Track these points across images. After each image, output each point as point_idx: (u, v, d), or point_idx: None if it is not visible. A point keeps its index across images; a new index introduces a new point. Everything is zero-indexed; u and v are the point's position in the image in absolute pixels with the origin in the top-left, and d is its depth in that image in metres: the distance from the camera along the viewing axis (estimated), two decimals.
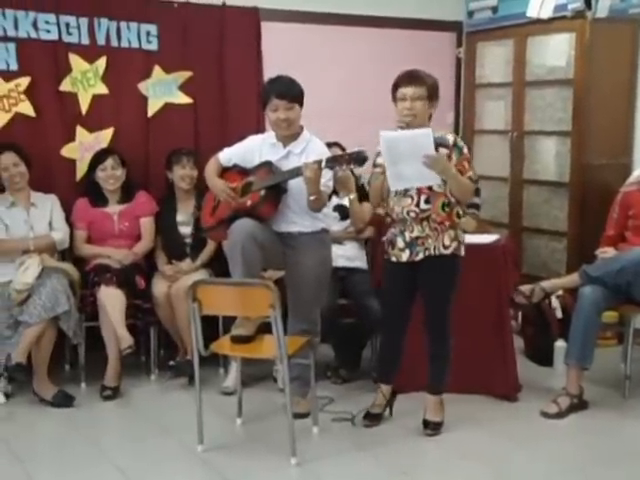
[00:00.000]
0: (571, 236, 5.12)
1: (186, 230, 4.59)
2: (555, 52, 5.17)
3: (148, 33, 4.76)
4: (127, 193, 4.60)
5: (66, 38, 4.58)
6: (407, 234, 3.58)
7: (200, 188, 4.45)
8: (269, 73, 4.45)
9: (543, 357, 4.67)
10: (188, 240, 4.59)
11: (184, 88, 4.88)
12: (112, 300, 4.16)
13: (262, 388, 4.27)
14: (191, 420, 3.53)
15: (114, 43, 4.68)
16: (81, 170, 4.68)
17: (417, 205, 3.53)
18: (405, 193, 3.55)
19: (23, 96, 4.52)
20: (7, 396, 4.09)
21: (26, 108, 4.54)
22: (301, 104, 3.77)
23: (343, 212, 4.55)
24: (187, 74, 4.89)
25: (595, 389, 4.15)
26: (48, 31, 4.53)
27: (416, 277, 3.62)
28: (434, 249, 3.55)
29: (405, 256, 3.60)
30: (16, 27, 4.47)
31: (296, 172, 3.64)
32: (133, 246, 4.53)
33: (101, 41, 4.66)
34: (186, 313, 3.72)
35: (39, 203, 4.40)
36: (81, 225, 4.51)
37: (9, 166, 4.30)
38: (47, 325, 4.02)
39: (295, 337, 3.66)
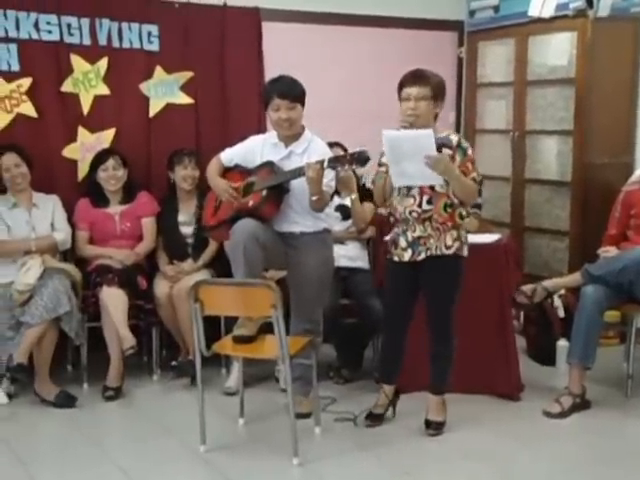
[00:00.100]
0: (573, 235, 5.11)
1: (188, 230, 4.59)
2: (557, 51, 5.17)
3: (149, 33, 4.76)
4: (129, 193, 4.60)
5: (67, 39, 4.58)
6: (409, 234, 3.58)
7: (202, 188, 4.45)
8: (270, 73, 4.46)
9: (545, 357, 4.66)
10: (190, 240, 4.59)
11: (185, 88, 4.88)
12: (114, 300, 4.16)
13: (264, 388, 4.27)
14: (193, 420, 3.53)
15: (115, 44, 4.69)
16: (83, 171, 4.68)
17: (419, 205, 3.53)
18: (408, 193, 3.55)
19: (25, 97, 4.53)
20: (10, 397, 4.09)
21: (28, 109, 4.54)
22: (303, 104, 3.76)
23: (345, 212, 4.54)
24: (188, 74, 4.89)
25: (598, 388, 4.14)
26: (50, 32, 4.54)
27: (418, 277, 3.61)
28: (436, 249, 3.54)
29: (407, 256, 3.59)
30: (18, 28, 4.48)
31: (298, 172, 3.63)
32: (135, 246, 4.53)
33: (102, 42, 4.66)
34: (188, 313, 3.72)
35: (41, 204, 4.40)
36: (83, 226, 4.51)
37: (11, 167, 4.29)
38: (48, 326, 4.02)
39: (297, 337, 3.66)
